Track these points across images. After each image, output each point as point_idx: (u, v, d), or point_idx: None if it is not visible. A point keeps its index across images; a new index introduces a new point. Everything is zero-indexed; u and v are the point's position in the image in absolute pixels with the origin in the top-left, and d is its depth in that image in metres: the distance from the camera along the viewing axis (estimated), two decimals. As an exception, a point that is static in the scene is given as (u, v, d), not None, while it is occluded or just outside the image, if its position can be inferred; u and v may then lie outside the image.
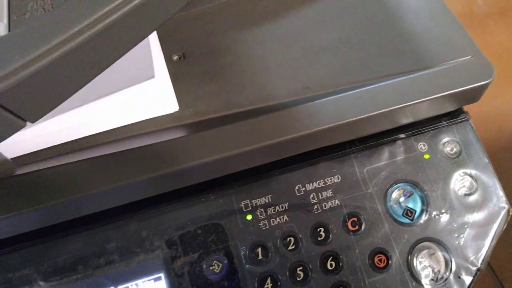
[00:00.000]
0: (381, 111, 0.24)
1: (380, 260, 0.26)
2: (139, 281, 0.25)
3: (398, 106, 0.24)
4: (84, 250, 0.25)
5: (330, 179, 0.27)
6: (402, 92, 0.25)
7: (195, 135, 0.24)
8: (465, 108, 0.29)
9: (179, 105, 0.26)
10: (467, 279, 0.26)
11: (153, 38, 0.28)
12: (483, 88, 0.26)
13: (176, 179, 0.24)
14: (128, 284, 0.25)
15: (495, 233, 0.27)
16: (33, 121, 0.18)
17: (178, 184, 0.25)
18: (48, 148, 0.24)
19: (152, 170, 0.23)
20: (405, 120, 0.27)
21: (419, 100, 0.25)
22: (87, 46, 0.17)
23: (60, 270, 0.25)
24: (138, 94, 0.24)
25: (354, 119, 0.24)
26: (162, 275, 0.25)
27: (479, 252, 0.27)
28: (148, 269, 0.25)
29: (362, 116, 0.24)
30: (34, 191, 0.22)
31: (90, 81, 0.19)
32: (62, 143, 0.25)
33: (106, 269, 0.25)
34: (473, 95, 0.26)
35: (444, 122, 0.29)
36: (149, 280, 0.25)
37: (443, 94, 0.25)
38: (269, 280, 0.25)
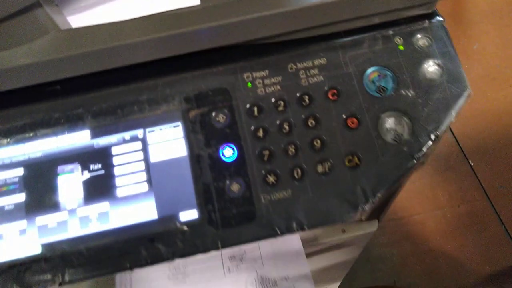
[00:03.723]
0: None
1: (352, 122, 0.32)
2: (162, 127, 0.33)
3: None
4: (122, 99, 0.33)
5: (317, 60, 0.34)
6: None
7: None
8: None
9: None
10: (425, 143, 0.31)
11: None
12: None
13: (197, 39, 0.31)
14: (154, 128, 0.33)
15: (456, 109, 0.32)
16: None
17: (197, 45, 0.32)
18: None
19: (178, 27, 0.30)
20: (376, 7, 0.32)
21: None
22: None
23: (107, 112, 0.33)
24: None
25: None
26: (180, 123, 0.33)
27: (439, 123, 0.32)
28: (169, 118, 0.33)
29: None
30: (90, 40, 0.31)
31: None
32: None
33: (138, 115, 0.33)
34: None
35: (419, 22, 0.34)
36: (169, 127, 0.33)
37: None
38: (261, 131, 0.32)
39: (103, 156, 0.32)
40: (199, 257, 0.31)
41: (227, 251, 0.34)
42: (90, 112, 0.33)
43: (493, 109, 1.37)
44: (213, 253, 0.31)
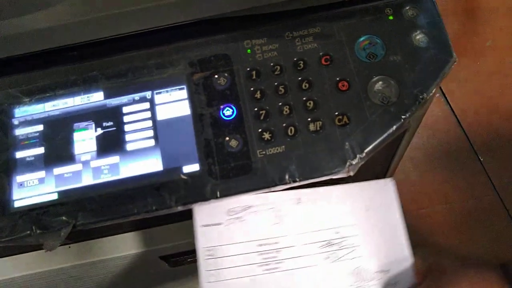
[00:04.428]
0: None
1: (343, 85, 0.34)
2: (168, 89, 0.36)
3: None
4: (133, 64, 0.36)
5: (312, 29, 0.36)
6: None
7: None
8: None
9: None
10: (411, 105, 0.33)
11: None
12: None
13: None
14: (161, 90, 0.36)
15: (442, 75, 0.34)
16: None
17: (202, 12, 0.35)
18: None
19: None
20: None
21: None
22: None
23: (118, 75, 0.36)
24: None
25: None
26: (184, 85, 0.36)
27: (426, 87, 0.34)
28: (175, 81, 0.36)
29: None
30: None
31: None
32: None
33: (147, 78, 0.36)
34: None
35: (409, -5, 0.36)
36: (175, 89, 0.36)
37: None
38: (258, 92, 0.35)
39: (115, 114, 0.35)
40: (294, 242, 0.32)
41: (322, 237, 0.34)
42: (103, 75, 0.36)
43: (505, 106, 1.36)
44: (307, 239, 0.32)
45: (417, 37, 0.35)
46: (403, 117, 0.33)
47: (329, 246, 0.34)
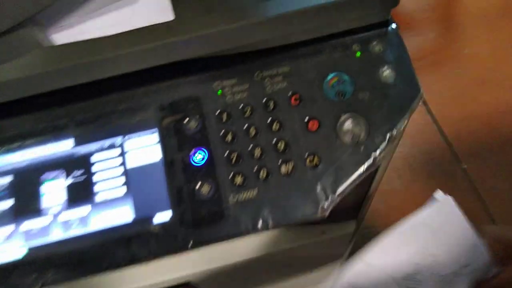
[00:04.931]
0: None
1: (313, 125, 0.34)
2: (138, 134, 0.36)
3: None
4: (103, 109, 0.36)
5: (282, 68, 0.36)
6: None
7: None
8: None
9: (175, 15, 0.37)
10: (381, 143, 0.34)
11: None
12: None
13: (170, 51, 0.34)
14: (132, 135, 0.35)
15: (410, 110, 0.34)
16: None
17: (170, 56, 0.34)
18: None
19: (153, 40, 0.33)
20: (336, 18, 0.35)
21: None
22: None
23: (88, 121, 0.36)
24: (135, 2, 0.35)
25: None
26: (155, 130, 0.35)
27: (394, 124, 0.34)
28: (145, 126, 0.36)
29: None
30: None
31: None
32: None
33: (117, 123, 0.36)
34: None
35: (375, 31, 0.37)
36: (145, 134, 0.36)
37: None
38: (229, 135, 0.35)
39: (84, 163, 0.35)
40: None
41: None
42: (73, 122, 0.36)
43: (485, 112, 1.39)
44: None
45: (385, 73, 0.35)
46: (373, 156, 0.33)
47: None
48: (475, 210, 1.23)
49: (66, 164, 0.35)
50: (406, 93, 0.35)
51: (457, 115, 1.34)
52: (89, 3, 0.37)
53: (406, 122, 0.34)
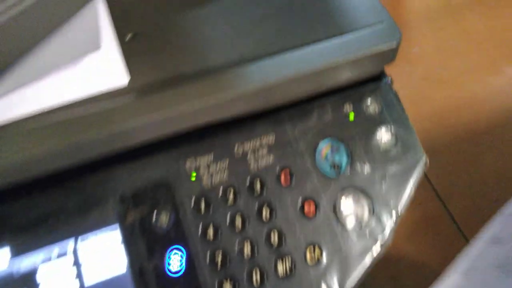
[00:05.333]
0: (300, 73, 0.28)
1: (309, 209, 0.29)
2: (97, 232, 0.28)
3: (312, 71, 0.28)
4: (47, 208, 0.28)
5: (265, 137, 0.31)
6: (319, 56, 0.28)
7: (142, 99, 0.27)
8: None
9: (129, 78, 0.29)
10: (389, 224, 0.29)
11: (101, 11, 0.31)
12: (390, 50, 0.29)
13: (126, 137, 0.27)
14: (86, 240, 0.28)
15: (414, 181, 0.30)
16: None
17: (128, 141, 0.28)
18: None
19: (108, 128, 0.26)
20: (326, 82, 0.30)
21: (338, 62, 0.28)
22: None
23: (27, 226, 0.28)
24: (84, 67, 0.28)
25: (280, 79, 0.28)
26: (115, 230, 0.28)
27: (399, 199, 0.30)
28: (104, 222, 0.28)
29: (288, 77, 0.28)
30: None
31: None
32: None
33: (69, 223, 0.28)
34: (386, 56, 0.30)
35: (368, 86, 0.32)
36: (106, 231, 0.28)
37: (356, 56, 0.28)
38: (210, 230, 0.29)
39: (27, 280, 0.27)
40: None
41: None
42: (7, 228, 0.28)
43: (437, 111, 1.42)
44: None
45: (383, 138, 0.31)
46: (380, 239, 0.29)
47: None
48: (435, 209, 1.26)
49: (2, 283, 0.27)
50: (409, 160, 0.31)
51: (411, 115, 1.36)
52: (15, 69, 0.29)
53: (412, 193, 0.30)
